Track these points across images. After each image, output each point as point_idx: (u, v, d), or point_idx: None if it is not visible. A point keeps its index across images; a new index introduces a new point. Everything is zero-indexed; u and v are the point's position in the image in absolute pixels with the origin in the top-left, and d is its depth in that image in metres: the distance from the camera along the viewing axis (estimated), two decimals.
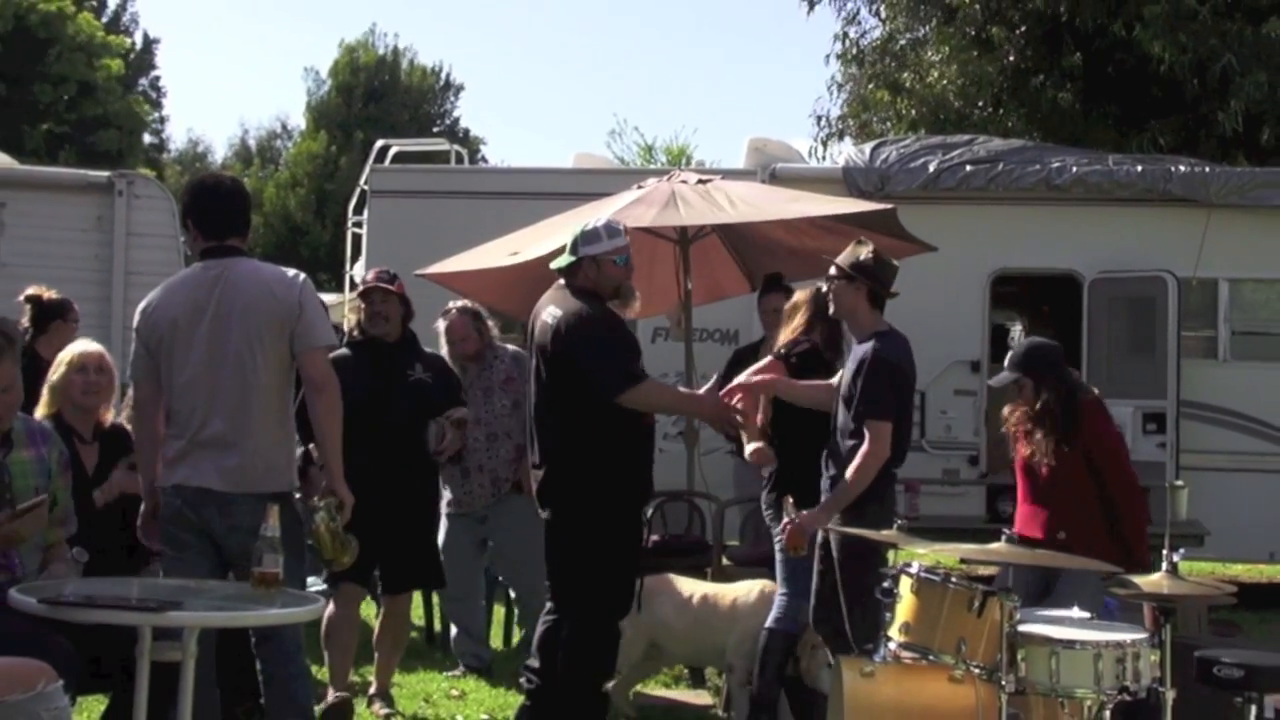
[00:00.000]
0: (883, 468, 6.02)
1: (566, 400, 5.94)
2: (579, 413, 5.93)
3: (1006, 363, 6.40)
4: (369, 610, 7.86)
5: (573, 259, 6.14)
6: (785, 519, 6.14)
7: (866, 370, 6.02)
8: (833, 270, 6.27)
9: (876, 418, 5.98)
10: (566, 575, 6.02)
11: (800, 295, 6.98)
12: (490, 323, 8.04)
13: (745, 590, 6.73)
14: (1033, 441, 6.32)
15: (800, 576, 6.56)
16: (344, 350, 6.79)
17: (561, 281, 6.23)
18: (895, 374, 6.11)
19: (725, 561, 8.56)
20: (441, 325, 7.85)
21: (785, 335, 6.85)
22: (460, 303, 7.97)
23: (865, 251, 6.23)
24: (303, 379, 5.47)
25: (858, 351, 6.16)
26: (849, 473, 5.97)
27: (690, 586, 6.97)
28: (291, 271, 5.41)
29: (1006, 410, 6.51)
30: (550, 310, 6.10)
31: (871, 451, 5.96)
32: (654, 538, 8.23)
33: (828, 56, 20.92)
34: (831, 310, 6.38)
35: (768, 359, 7.03)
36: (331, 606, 6.50)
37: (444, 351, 7.69)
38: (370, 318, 6.96)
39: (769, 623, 6.75)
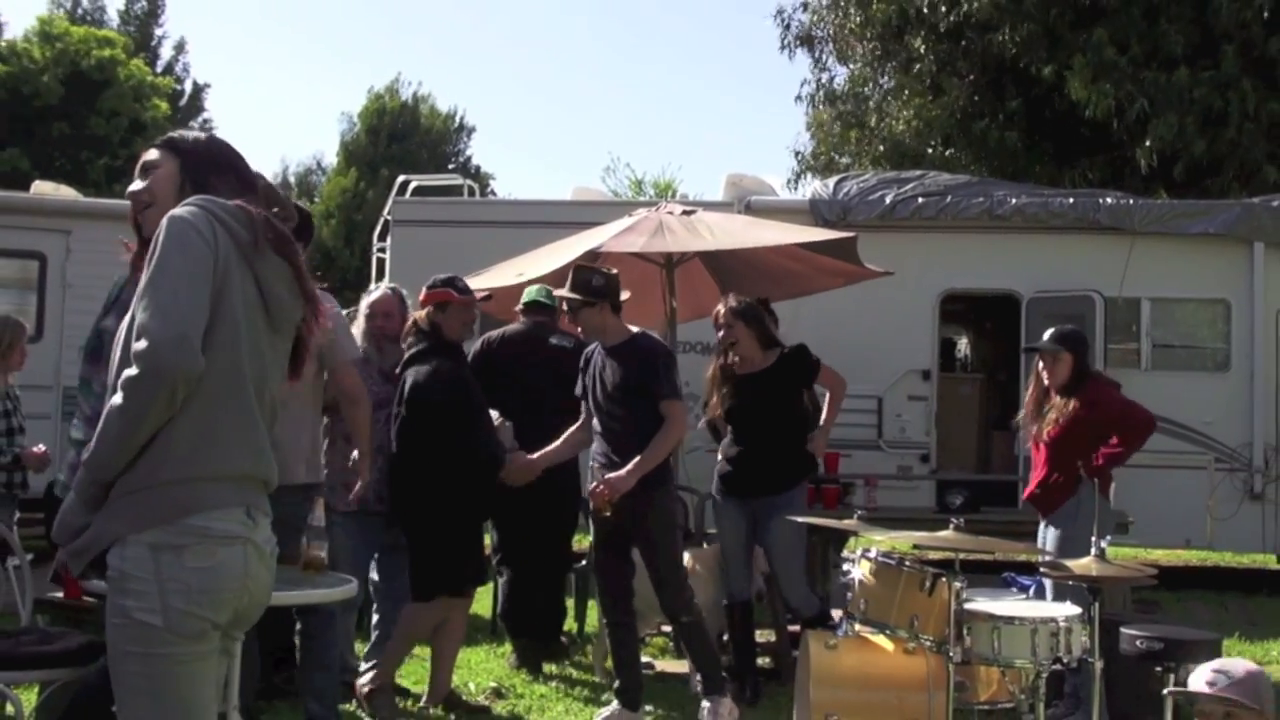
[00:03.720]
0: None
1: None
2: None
3: (1049, 337, 6.53)
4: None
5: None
6: (593, 483, 6.10)
7: (659, 362, 6.07)
8: (570, 301, 6.17)
9: (676, 398, 6.08)
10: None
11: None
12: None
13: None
14: (1049, 408, 6.47)
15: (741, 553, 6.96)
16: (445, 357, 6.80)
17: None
18: (674, 362, 6.25)
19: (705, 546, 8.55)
20: (367, 299, 7.01)
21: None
22: (392, 284, 7.72)
23: (596, 278, 6.13)
24: (337, 392, 5.45)
25: (627, 349, 6.11)
26: (654, 444, 5.98)
27: None
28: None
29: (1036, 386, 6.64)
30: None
31: (675, 427, 6.05)
32: None
33: (798, 97, 21.14)
34: (580, 333, 6.30)
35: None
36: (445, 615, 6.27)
37: (359, 327, 6.80)
38: (468, 325, 6.48)
39: (724, 599, 6.96)
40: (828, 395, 7.17)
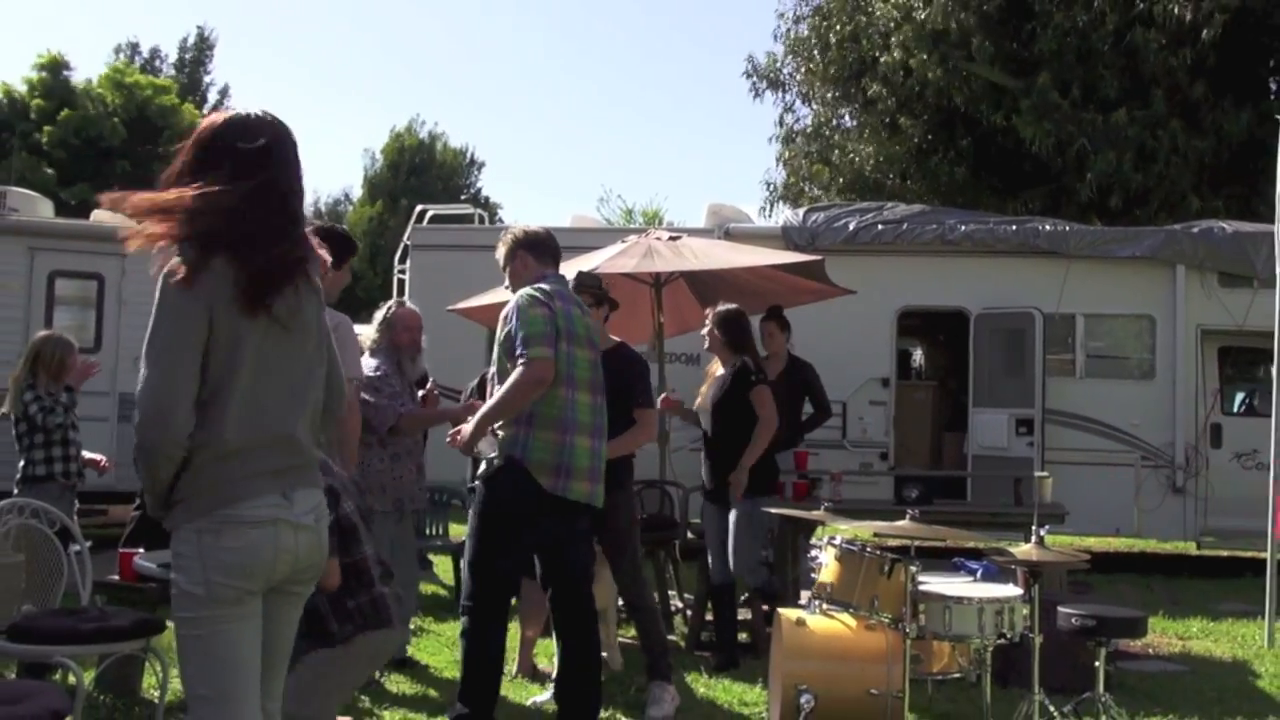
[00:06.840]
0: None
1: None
2: None
3: None
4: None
5: None
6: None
7: (639, 371, 6.01)
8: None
9: (650, 406, 6.02)
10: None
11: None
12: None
13: None
14: None
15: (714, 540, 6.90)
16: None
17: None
18: (649, 372, 6.17)
19: (689, 535, 8.57)
20: (385, 313, 6.58)
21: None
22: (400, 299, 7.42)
23: (576, 280, 5.88)
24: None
25: (614, 356, 5.78)
26: (617, 441, 5.53)
27: None
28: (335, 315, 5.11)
29: None
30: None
31: (643, 431, 5.92)
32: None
33: (771, 138, 21.32)
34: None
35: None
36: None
37: (380, 337, 6.46)
38: None
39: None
40: (758, 423, 6.79)
